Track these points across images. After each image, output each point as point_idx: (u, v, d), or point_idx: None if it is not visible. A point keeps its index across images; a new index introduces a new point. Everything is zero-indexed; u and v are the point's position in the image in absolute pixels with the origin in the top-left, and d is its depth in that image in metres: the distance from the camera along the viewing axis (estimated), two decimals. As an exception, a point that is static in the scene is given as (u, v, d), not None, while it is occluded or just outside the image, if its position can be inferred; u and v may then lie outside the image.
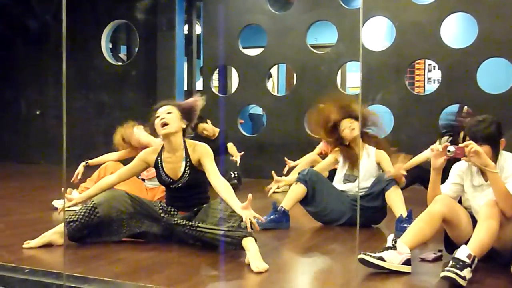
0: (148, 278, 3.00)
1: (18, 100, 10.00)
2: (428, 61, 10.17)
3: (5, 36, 9.80)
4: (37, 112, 9.86)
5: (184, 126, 3.81)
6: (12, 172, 8.93)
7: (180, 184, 3.79)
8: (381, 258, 3.10)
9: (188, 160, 3.76)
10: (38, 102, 9.85)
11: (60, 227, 3.64)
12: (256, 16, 8.38)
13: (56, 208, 5.07)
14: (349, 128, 4.60)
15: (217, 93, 9.02)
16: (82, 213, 3.61)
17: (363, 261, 3.09)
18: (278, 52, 8.29)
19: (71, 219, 3.60)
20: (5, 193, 6.48)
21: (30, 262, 3.23)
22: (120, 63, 9.74)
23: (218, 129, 7.51)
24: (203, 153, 3.73)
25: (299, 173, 4.60)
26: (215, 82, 10.14)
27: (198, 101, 3.88)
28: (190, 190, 3.81)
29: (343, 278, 3.18)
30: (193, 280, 3.06)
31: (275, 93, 10.45)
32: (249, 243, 3.33)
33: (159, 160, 3.83)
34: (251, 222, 3.33)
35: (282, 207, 4.47)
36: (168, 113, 3.73)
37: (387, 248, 3.16)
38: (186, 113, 3.80)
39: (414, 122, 7.47)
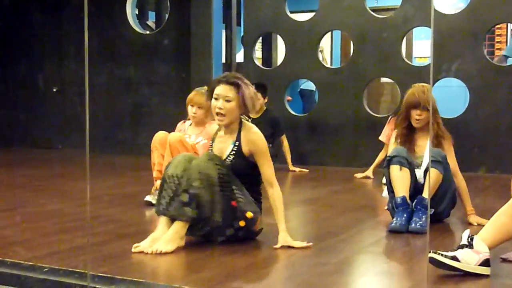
0: (183, 279, 3.05)
1: (34, 76, 10.17)
2: (511, 26, 9.96)
3: (19, 1, 9.96)
4: (54, 90, 10.02)
5: (241, 113, 3.89)
6: (28, 158, 9.12)
7: (227, 164, 3.84)
8: (454, 258, 3.08)
9: (237, 144, 3.83)
10: (56, 77, 10.01)
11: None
12: (306, -26, 8.35)
13: (151, 203, 4.97)
14: (414, 119, 4.55)
15: (261, 65, 9.02)
16: None
17: (433, 261, 3.07)
18: (332, 17, 8.23)
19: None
20: (21, 182, 6.63)
21: (50, 260, 3.30)
22: (148, 32, 9.81)
23: (264, 107, 7.57)
24: (257, 148, 3.82)
25: (395, 157, 4.49)
26: (258, 53, 10.15)
27: (257, 94, 3.99)
28: (239, 176, 3.83)
29: (410, 281, 3.17)
30: (233, 283, 3.09)
31: (328, 65, 10.40)
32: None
33: (214, 139, 4.01)
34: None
35: (403, 196, 4.36)
36: (227, 100, 3.77)
37: (462, 246, 3.13)
38: (245, 106, 3.83)
39: (494, 98, 7.35)
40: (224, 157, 3.84)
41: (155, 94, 9.21)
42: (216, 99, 3.79)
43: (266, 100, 7.60)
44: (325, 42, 10.16)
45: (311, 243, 3.67)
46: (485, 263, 3.10)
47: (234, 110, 3.79)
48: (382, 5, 10.27)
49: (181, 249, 3.57)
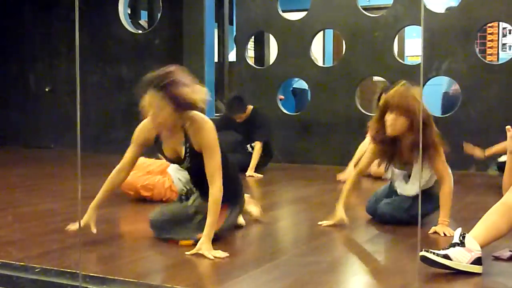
0: (175, 278, 3.04)
1: (25, 75, 10.14)
2: (502, 24, 9.98)
3: (10, 0, 9.92)
4: (46, 89, 10.01)
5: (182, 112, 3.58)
6: (20, 157, 9.10)
7: (186, 166, 3.74)
8: (446, 256, 3.07)
9: (188, 145, 3.63)
10: (48, 77, 9.99)
11: None
12: (298, -27, 8.35)
13: None
14: (387, 124, 4.12)
15: (253, 64, 9.01)
16: None
17: (425, 260, 3.06)
18: (324, 16, 8.23)
19: None
20: (13, 182, 6.61)
21: (41, 260, 3.28)
22: (140, 31, 9.80)
23: (250, 107, 7.38)
24: (204, 141, 3.57)
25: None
26: (250, 52, 10.14)
27: (197, 93, 3.58)
28: (203, 174, 3.66)
29: (401, 280, 3.17)
30: (225, 283, 3.08)
31: (320, 64, 10.40)
32: None
33: (158, 140, 3.75)
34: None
35: None
36: (156, 106, 3.54)
37: (454, 245, 3.12)
38: (177, 104, 3.52)
39: (486, 96, 7.36)
40: (182, 157, 3.68)
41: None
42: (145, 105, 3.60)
43: (248, 109, 7.32)
44: (317, 41, 10.15)
45: (227, 254, 3.39)
46: (477, 261, 3.09)
47: (165, 113, 3.52)
48: (374, 4, 10.28)
49: (173, 249, 3.57)
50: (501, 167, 5.67)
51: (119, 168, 3.85)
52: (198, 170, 3.66)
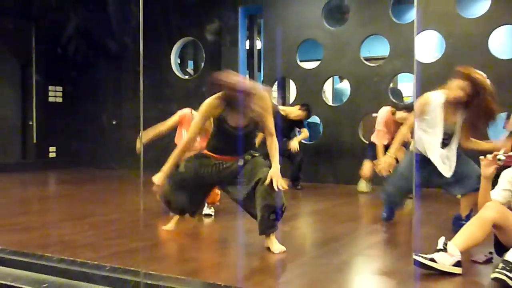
0: (217, 276, 3.06)
1: (100, 113, 10.33)
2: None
3: (89, 56, 10.12)
4: (114, 122, 10.15)
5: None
6: (91, 176, 9.20)
7: (242, 132, 3.83)
8: (432, 260, 3.07)
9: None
10: (116, 114, 10.13)
11: None
12: (313, 31, 8.38)
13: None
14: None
15: (276, 104, 9.05)
16: None
17: (416, 262, 3.07)
18: (333, 65, 8.27)
19: None
20: (86, 196, 6.69)
21: (110, 259, 3.33)
22: (187, 77, 9.90)
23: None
24: (264, 108, 3.72)
25: None
26: (274, 94, 10.18)
27: None
28: (247, 137, 3.89)
29: (398, 278, 3.16)
30: (257, 279, 3.10)
31: (330, 103, 10.40)
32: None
33: (222, 115, 3.86)
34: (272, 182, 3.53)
35: None
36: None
37: (438, 250, 3.12)
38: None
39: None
40: (245, 124, 3.88)
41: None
42: None
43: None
44: (327, 85, 10.17)
45: (285, 187, 3.59)
46: (458, 264, 3.09)
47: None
48: (373, 55, 10.27)
49: (215, 248, 3.59)
50: None
51: (190, 138, 3.97)
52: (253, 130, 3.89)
